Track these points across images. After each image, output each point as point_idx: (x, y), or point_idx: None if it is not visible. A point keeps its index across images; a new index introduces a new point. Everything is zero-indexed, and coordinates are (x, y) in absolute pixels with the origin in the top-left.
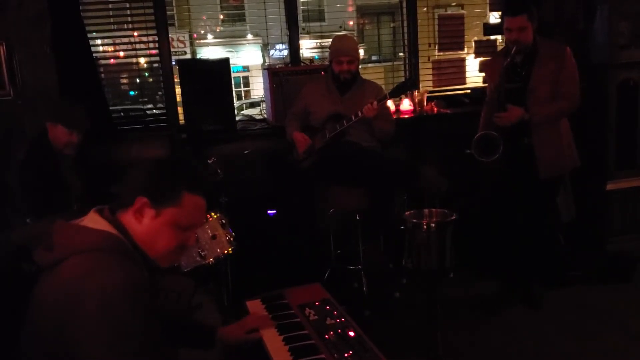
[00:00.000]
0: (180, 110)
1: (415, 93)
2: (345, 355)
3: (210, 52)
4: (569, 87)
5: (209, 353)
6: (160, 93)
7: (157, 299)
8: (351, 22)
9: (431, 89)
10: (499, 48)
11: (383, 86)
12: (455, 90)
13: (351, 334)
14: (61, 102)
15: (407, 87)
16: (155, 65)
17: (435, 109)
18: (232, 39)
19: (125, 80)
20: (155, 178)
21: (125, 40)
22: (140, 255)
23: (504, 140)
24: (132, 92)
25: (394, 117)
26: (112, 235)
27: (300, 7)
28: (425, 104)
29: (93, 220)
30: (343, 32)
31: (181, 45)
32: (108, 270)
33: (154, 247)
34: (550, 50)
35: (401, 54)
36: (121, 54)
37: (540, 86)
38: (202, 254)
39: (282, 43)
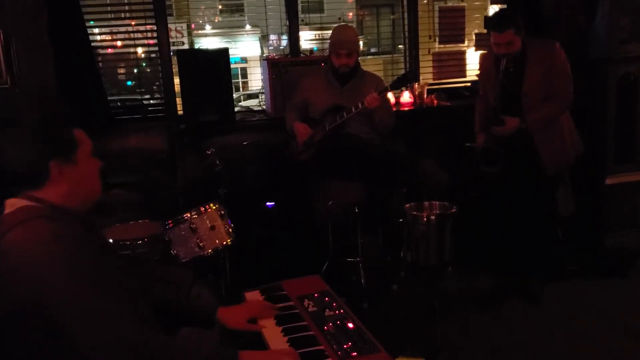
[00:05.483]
0: (178, 100)
1: (416, 85)
2: (344, 346)
3: (208, 42)
4: (561, 83)
5: (208, 332)
6: (157, 83)
7: (103, 247)
8: (350, 14)
9: (431, 81)
10: None
11: (382, 78)
12: (455, 82)
13: (350, 325)
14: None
15: (408, 79)
16: (153, 55)
17: (436, 102)
18: (230, 29)
19: (122, 70)
20: (48, 140)
21: (123, 29)
22: (64, 213)
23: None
24: (129, 82)
25: (394, 109)
26: (27, 205)
27: None
28: (425, 96)
29: (9, 205)
30: (342, 23)
31: (179, 35)
32: (37, 228)
33: (92, 189)
34: (539, 50)
35: (401, 46)
36: (119, 43)
37: (533, 89)
38: (201, 245)
39: (281, 34)
